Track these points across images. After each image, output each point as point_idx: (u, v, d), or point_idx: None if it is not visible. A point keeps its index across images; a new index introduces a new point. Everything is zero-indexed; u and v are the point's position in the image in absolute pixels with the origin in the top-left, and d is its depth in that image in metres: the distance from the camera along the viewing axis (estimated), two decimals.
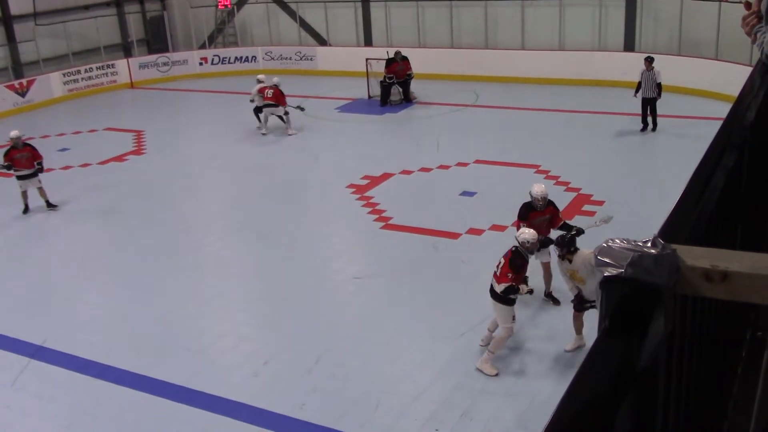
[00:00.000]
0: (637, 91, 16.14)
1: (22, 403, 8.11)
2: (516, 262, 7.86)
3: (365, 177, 14.67)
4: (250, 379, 8.25)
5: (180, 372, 8.47)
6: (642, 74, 15.99)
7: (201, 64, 26.57)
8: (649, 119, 16.43)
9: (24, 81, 23.10)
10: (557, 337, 8.52)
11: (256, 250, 11.89)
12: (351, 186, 14.23)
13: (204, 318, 9.73)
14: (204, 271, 11.16)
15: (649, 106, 16.16)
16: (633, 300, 1.38)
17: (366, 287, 10.28)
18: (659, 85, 15.88)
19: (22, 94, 22.84)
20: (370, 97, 21.55)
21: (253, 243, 12.17)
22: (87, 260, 11.73)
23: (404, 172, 14.88)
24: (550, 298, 9.41)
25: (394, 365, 8.34)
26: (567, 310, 9.07)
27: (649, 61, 16.04)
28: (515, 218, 12.04)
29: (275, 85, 17.75)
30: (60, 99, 23.70)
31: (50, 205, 14.05)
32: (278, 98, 17.65)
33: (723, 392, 2.45)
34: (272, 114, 18.09)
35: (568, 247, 7.88)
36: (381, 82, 20.76)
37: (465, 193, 13.51)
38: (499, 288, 7.84)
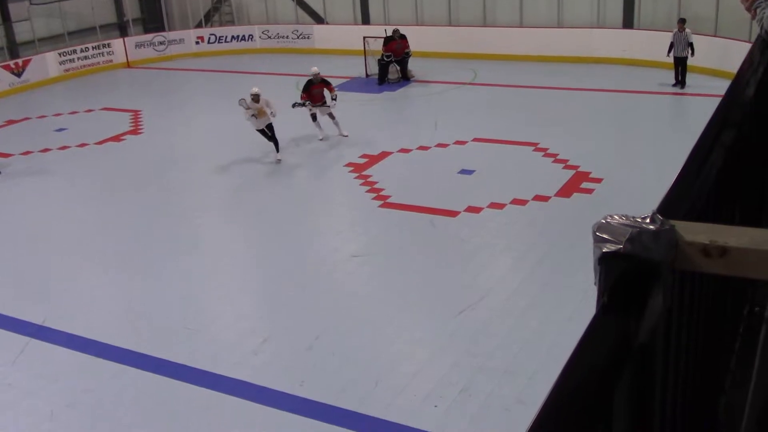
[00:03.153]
0: (669, 51, 17.57)
1: (24, 382, 8.14)
2: None
3: (363, 156, 14.64)
4: (250, 357, 8.28)
5: (179, 350, 8.50)
6: (674, 35, 17.46)
7: (197, 43, 26.42)
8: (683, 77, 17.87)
9: (20, 61, 22.99)
10: (557, 315, 8.55)
11: (254, 229, 11.90)
12: (349, 165, 14.21)
13: (203, 297, 9.76)
14: (202, 250, 11.16)
15: (681, 64, 17.62)
16: (631, 276, 1.39)
17: (365, 266, 10.30)
18: (691, 45, 17.32)
19: (18, 74, 22.73)
20: (367, 75, 21.46)
21: (252, 222, 12.18)
22: (85, 240, 11.73)
23: (402, 150, 14.86)
24: None
25: (393, 343, 8.37)
26: (569, 291, 9.11)
27: (681, 22, 17.50)
28: (514, 196, 12.11)
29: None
30: (56, 79, 23.58)
31: None
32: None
33: (720, 368, 2.47)
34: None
35: None
36: (378, 60, 20.67)
37: (463, 171, 13.49)
38: None
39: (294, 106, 15.58)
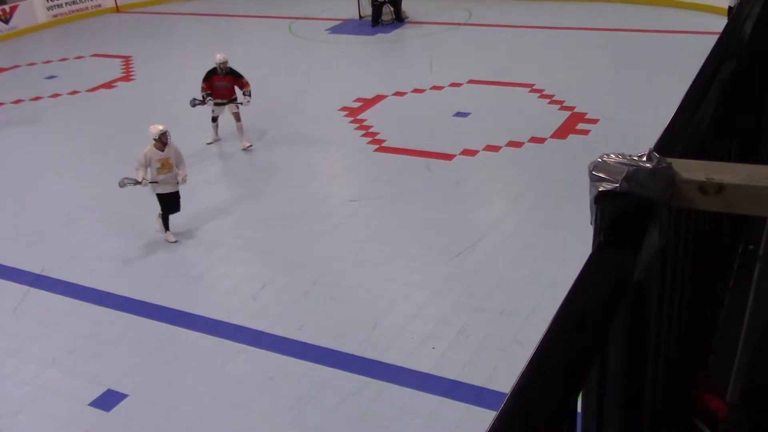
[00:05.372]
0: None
1: (25, 330, 8.21)
2: None
3: (358, 99, 14.52)
4: (249, 303, 8.35)
5: (178, 297, 8.56)
6: None
7: None
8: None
9: (6, 7, 22.56)
10: (553, 255, 8.60)
11: (249, 175, 11.86)
12: (344, 109, 14.10)
13: (200, 244, 9.77)
14: (198, 197, 11.13)
15: None
16: (628, 214, 1.38)
17: (361, 210, 10.31)
18: None
19: (6, 21, 22.35)
20: (361, 17, 21.14)
21: (247, 167, 12.13)
22: (80, 188, 11.69)
23: (397, 93, 14.73)
24: None
25: (390, 286, 8.44)
26: (565, 232, 9.14)
27: None
28: (509, 138, 12.05)
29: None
30: (44, 25, 23.18)
31: None
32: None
33: (715, 304, 2.49)
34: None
35: None
36: (372, 1, 20.33)
37: (458, 114, 13.40)
38: None
39: (193, 104, 12.66)
